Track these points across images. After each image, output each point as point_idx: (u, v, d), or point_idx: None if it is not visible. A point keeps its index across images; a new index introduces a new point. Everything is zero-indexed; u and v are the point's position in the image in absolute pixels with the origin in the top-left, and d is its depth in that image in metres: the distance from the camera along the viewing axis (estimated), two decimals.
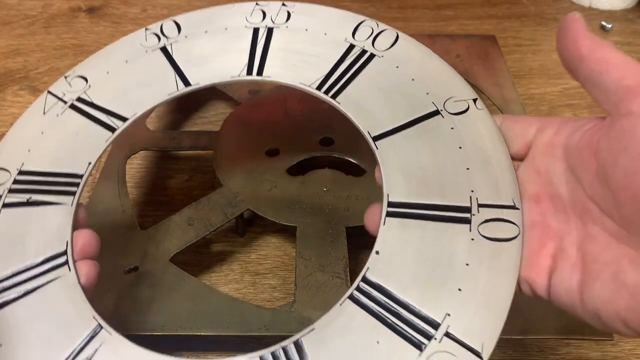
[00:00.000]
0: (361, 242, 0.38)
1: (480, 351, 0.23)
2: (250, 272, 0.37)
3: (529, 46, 0.58)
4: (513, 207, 0.26)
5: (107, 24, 0.61)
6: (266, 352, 0.25)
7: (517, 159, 0.27)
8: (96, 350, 0.25)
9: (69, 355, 0.25)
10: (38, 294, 0.26)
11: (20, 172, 0.30)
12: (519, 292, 0.25)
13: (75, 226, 0.28)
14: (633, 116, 0.21)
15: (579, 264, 0.23)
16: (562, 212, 0.24)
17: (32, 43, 0.58)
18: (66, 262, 0.27)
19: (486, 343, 0.23)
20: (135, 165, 0.44)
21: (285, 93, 0.45)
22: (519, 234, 0.25)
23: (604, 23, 0.61)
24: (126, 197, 0.38)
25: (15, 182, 0.30)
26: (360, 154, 0.40)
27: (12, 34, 0.59)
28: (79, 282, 0.27)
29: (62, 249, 0.27)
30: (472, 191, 0.26)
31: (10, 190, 0.29)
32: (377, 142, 0.29)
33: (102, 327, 0.25)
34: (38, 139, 0.31)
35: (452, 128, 0.28)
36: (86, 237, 0.28)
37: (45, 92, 0.33)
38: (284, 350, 0.25)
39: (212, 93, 0.49)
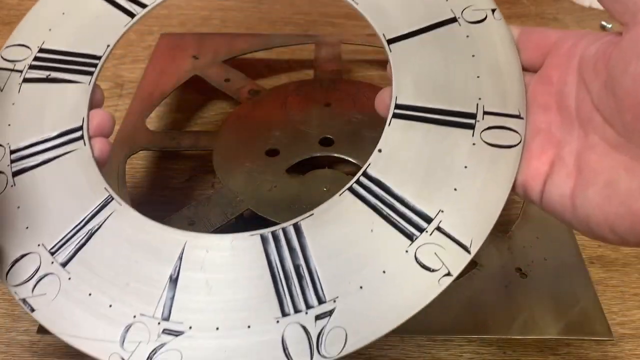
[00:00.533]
0: None
1: (468, 246, 0.25)
2: None
3: None
4: (518, 117, 0.27)
5: None
6: (266, 232, 0.26)
7: (531, 70, 0.28)
8: (107, 217, 0.27)
9: (82, 220, 0.27)
10: (54, 165, 0.29)
11: (41, 50, 0.32)
12: (512, 195, 0.26)
13: (92, 105, 0.30)
14: None
15: (575, 172, 0.24)
16: (568, 123, 0.25)
17: None
18: (82, 137, 0.29)
19: (475, 239, 0.25)
20: (135, 165, 0.44)
21: (286, 93, 0.45)
22: (520, 142, 0.26)
23: (604, 23, 0.61)
24: (126, 197, 0.38)
25: (36, 59, 0.31)
26: (360, 154, 0.40)
27: None
28: (93, 156, 0.29)
29: (78, 124, 0.29)
30: (480, 99, 0.27)
31: (31, 67, 0.31)
32: (391, 46, 0.29)
33: (113, 198, 0.28)
34: (59, 19, 0.33)
35: (467, 36, 0.29)
36: (102, 116, 0.30)
37: None
38: (284, 230, 0.26)
39: (212, 93, 0.49)
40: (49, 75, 0.31)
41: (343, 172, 0.39)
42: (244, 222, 0.38)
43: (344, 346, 0.23)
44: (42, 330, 0.31)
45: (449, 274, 0.24)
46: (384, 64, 0.55)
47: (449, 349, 0.32)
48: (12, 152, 0.29)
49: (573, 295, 0.33)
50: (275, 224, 0.36)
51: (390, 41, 0.29)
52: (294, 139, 0.41)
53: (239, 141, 0.41)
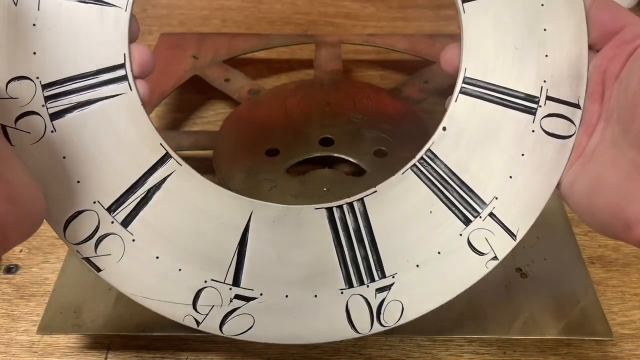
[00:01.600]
0: None
1: (515, 233, 0.26)
2: None
3: None
4: (577, 106, 0.27)
5: None
6: (333, 205, 0.27)
7: (592, 48, 0.27)
8: (166, 177, 0.26)
9: (139, 178, 0.25)
10: (99, 109, 0.26)
11: None
12: None
13: (130, 38, 0.26)
14: None
15: (586, 161, 0.26)
16: (604, 116, 0.26)
17: None
18: (126, 78, 0.26)
19: (521, 228, 0.27)
20: None
21: (286, 93, 0.45)
22: (574, 133, 0.26)
23: None
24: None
25: None
26: (360, 154, 0.40)
27: None
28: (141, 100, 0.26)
29: (119, 61, 0.26)
30: (545, 81, 0.27)
31: None
32: (465, 5, 0.28)
33: (171, 156, 0.26)
34: None
35: (542, 5, 0.27)
36: (144, 54, 0.26)
37: None
38: (350, 205, 0.27)
39: (212, 93, 0.49)
40: None
41: (343, 172, 0.39)
42: None
43: (400, 316, 0.26)
44: (42, 330, 0.31)
45: (495, 258, 0.26)
46: (384, 64, 0.55)
47: (449, 349, 0.32)
48: (44, 87, 0.25)
49: (573, 295, 0.33)
50: None
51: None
52: (294, 139, 0.41)
53: (239, 141, 0.41)
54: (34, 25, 0.25)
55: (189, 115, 0.49)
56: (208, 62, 0.48)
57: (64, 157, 0.25)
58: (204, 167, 0.43)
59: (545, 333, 0.31)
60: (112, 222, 0.26)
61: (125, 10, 0.26)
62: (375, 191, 0.27)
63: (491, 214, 0.27)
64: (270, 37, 0.52)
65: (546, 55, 0.27)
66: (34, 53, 0.25)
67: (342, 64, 0.48)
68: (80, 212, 0.25)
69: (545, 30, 0.27)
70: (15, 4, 0.25)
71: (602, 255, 0.38)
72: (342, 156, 0.40)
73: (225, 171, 0.39)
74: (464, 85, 0.27)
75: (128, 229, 0.26)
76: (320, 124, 0.42)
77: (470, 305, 0.32)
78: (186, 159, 0.44)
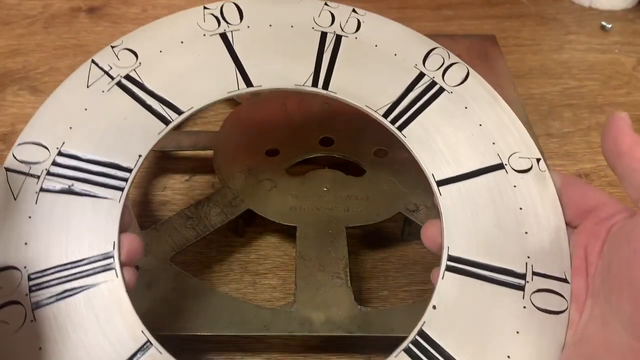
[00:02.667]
0: (361, 242, 0.38)
1: None
2: (250, 272, 0.37)
3: (529, 46, 0.58)
4: (564, 281, 0.26)
5: (107, 24, 0.61)
6: None
7: (569, 225, 0.28)
8: None
9: None
10: (82, 298, 0.25)
11: (61, 154, 0.27)
12: None
13: (121, 227, 0.27)
14: None
15: (577, 340, 0.25)
16: (590, 292, 0.26)
17: (32, 43, 0.58)
18: (112, 267, 0.26)
19: None
20: None
21: (285, 93, 0.45)
22: (566, 308, 0.26)
23: (604, 23, 0.61)
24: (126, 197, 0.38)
25: (55, 163, 0.27)
26: (360, 154, 0.40)
27: (12, 34, 0.59)
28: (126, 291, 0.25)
29: (108, 250, 0.26)
30: (528, 257, 0.27)
31: (50, 173, 0.27)
32: (441, 188, 0.29)
33: (151, 344, 0.25)
34: (81, 117, 0.28)
35: (514, 186, 0.28)
36: (133, 242, 0.27)
37: (89, 60, 0.30)
38: None
39: None
40: (72, 185, 0.27)
41: (343, 172, 0.39)
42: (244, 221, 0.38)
43: None
44: None
45: None
46: None
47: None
48: (30, 277, 0.25)
49: None
50: (275, 224, 0.36)
51: (440, 183, 0.29)
52: (294, 139, 0.41)
53: (239, 141, 0.41)
54: (30, 217, 0.26)
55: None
56: None
57: (40, 349, 0.24)
58: (204, 167, 0.44)
59: None
60: None
61: (119, 202, 0.27)
62: None
63: None
64: None
65: (526, 232, 0.27)
66: (26, 243, 0.26)
67: None
68: None
69: (521, 209, 0.28)
70: (15, 199, 0.26)
71: None
72: (342, 156, 0.40)
73: (225, 171, 0.39)
74: (449, 262, 0.27)
75: None
76: (320, 124, 0.42)
77: None
78: (186, 159, 0.44)
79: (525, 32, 0.61)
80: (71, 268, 0.25)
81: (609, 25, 0.61)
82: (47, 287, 0.25)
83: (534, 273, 0.27)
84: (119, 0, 0.65)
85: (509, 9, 0.64)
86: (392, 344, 0.33)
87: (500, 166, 0.29)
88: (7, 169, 0.27)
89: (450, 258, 0.27)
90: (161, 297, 0.32)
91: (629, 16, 0.63)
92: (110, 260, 0.26)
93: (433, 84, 0.31)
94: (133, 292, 0.32)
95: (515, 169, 0.29)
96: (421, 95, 0.31)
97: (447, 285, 0.27)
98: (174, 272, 0.33)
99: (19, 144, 0.28)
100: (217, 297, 0.32)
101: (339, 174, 0.39)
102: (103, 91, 0.29)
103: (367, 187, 0.38)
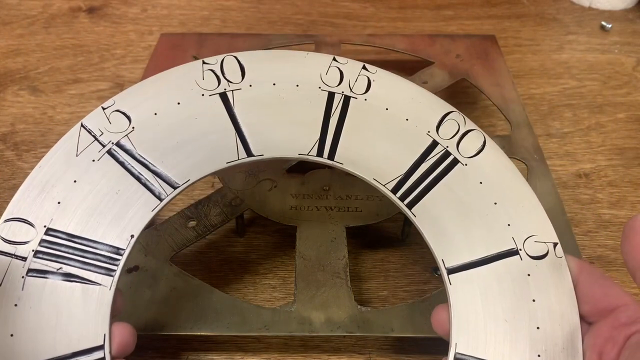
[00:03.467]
0: (361, 242, 0.38)
1: None
2: (250, 272, 0.37)
3: (529, 46, 0.59)
4: None
5: (107, 24, 0.61)
6: None
7: (584, 319, 0.26)
8: None
9: None
10: None
11: (49, 231, 0.26)
12: None
13: (112, 315, 0.25)
14: None
15: None
16: None
17: (32, 43, 0.58)
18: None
19: None
20: None
21: None
22: None
23: (604, 23, 0.61)
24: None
25: (43, 242, 0.25)
26: None
27: (12, 34, 0.59)
28: None
29: (99, 342, 0.24)
30: (539, 355, 0.25)
31: (37, 253, 0.25)
32: (451, 276, 0.27)
33: None
34: (70, 189, 0.26)
35: (528, 275, 0.27)
36: (125, 333, 0.25)
37: (79, 124, 0.28)
38: None
39: None
40: (60, 268, 0.25)
41: (343, 172, 0.39)
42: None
43: None
44: None
45: None
46: (383, 64, 0.55)
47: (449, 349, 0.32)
48: None
49: None
50: (275, 223, 0.36)
51: (451, 271, 0.27)
52: None
53: None
54: (16, 305, 0.24)
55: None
56: None
57: None
58: None
59: None
60: None
61: (110, 289, 0.25)
62: None
63: None
64: (270, 37, 0.52)
65: (538, 328, 0.26)
66: (11, 335, 0.24)
67: None
68: None
69: (534, 301, 0.26)
70: (0, 284, 0.24)
71: (602, 255, 0.38)
72: None
73: (225, 171, 0.39)
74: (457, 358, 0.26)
75: None
76: None
77: None
78: None
79: (525, 32, 0.61)
80: None
81: (609, 25, 0.61)
82: None
83: None
84: (119, 0, 0.65)
85: (509, 9, 0.64)
86: (392, 344, 0.33)
87: (514, 252, 0.27)
88: None
89: (457, 356, 0.26)
90: (161, 297, 0.32)
91: (628, 16, 0.63)
92: (100, 354, 0.24)
93: (447, 154, 0.29)
94: (133, 292, 0.32)
95: (531, 255, 0.27)
96: (434, 167, 0.29)
97: None
98: (174, 272, 0.33)
99: (5, 221, 0.26)
100: (217, 297, 0.32)
101: (339, 174, 0.39)
102: (94, 160, 0.27)
103: (367, 187, 0.38)
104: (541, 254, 0.27)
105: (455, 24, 0.62)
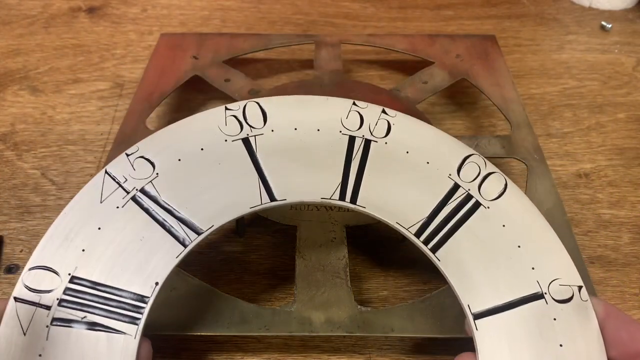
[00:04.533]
0: (361, 242, 0.38)
1: None
2: (250, 272, 0.37)
3: (529, 46, 0.59)
4: None
5: (107, 24, 0.61)
6: None
7: None
8: None
9: None
10: None
11: (74, 279, 0.26)
12: None
13: None
14: None
15: None
16: None
17: (32, 43, 0.58)
18: None
19: None
20: None
21: (285, 93, 0.45)
22: None
23: (604, 23, 0.61)
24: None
25: (67, 290, 0.25)
26: None
27: (12, 34, 0.59)
28: None
29: None
30: None
31: (61, 302, 0.25)
32: (478, 322, 0.27)
33: None
34: (94, 237, 0.27)
35: (554, 319, 0.26)
36: None
37: (103, 171, 0.28)
38: None
39: (212, 93, 0.49)
40: (85, 317, 0.25)
41: None
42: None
43: None
44: None
45: None
46: (384, 64, 0.55)
47: (449, 349, 0.32)
48: None
49: None
50: (275, 223, 0.36)
51: (477, 316, 0.27)
52: None
53: None
54: (40, 355, 0.24)
55: (188, 115, 0.49)
56: (208, 62, 0.48)
57: None
58: None
59: None
60: None
61: (135, 338, 0.25)
62: None
63: None
64: (270, 37, 0.52)
65: None
66: None
67: (342, 64, 0.48)
68: None
69: (561, 345, 0.26)
70: (24, 334, 0.24)
71: (602, 255, 0.38)
72: None
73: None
74: None
75: None
76: None
77: None
78: None
79: (525, 32, 0.61)
80: None
81: (609, 25, 0.61)
82: None
83: None
84: (119, 0, 0.65)
85: (509, 9, 0.64)
86: (392, 344, 0.33)
87: (539, 296, 0.27)
88: (17, 299, 0.25)
89: None
90: (161, 298, 0.32)
91: (629, 16, 0.63)
92: None
93: (469, 197, 0.29)
94: None
95: (556, 298, 0.27)
96: (456, 211, 0.29)
97: None
98: (174, 272, 0.33)
99: (30, 269, 0.26)
100: (217, 297, 0.32)
101: None
102: (118, 207, 0.27)
103: None
104: (566, 298, 0.27)
105: (455, 24, 0.62)
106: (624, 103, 0.51)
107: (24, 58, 0.56)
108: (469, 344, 0.31)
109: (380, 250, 0.38)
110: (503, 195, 0.29)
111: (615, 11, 0.64)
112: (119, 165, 0.28)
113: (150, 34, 0.59)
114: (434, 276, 0.36)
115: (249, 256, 0.38)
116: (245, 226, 0.39)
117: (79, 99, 0.51)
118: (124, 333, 0.25)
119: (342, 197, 0.29)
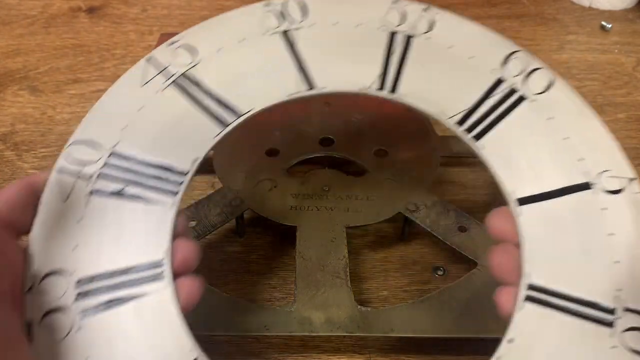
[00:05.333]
0: (361, 242, 0.38)
1: None
2: (250, 272, 0.37)
3: (529, 46, 0.58)
4: None
5: (107, 24, 0.61)
6: None
7: None
8: None
9: None
10: (131, 308, 0.24)
11: (114, 154, 0.26)
12: None
13: (175, 233, 0.25)
14: None
15: None
16: None
17: (32, 43, 0.58)
18: (162, 276, 0.24)
19: None
20: None
21: None
22: None
23: (604, 23, 0.61)
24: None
25: (107, 165, 0.26)
26: (360, 154, 0.40)
27: (12, 34, 0.59)
28: (179, 302, 0.24)
29: (158, 258, 0.24)
30: (619, 290, 0.24)
31: (101, 175, 0.26)
32: (521, 208, 0.26)
33: None
34: (135, 116, 0.27)
35: (602, 209, 0.26)
36: (188, 249, 0.25)
37: (145, 57, 0.29)
38: None
39: None
40: (124, 189, 0.26)
41: (343, 172, 0.39)
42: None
43: None
44: None
45: None
46: None
47: (449, 349, 0.32)
48: (77, 284, 0.24)
49: None
50: (275, 223, 0.36)
51: (521, 202, 0.26)
52: (294, 139, 0.41)
53: (239, 141, 0.41)
54: (79, 221, 0.25)
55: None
56: None
57: (87, 358, 0.23)
58: (204, 167, 0.43)
59: None
60: None
61: (171, 208, 0.26)
62: None
63: None
64: None
65: (617, 262, 0.25)
66: (74, 248, 0.24)
67: None
68: None
69: (610, 235, 0.25)
70: (65, 201, 0.25)
71: None
72: (342, 156, 0.40)
73: (225, 171, 0.39)
74: (529, 292, 0.24)
75: None
76: (320, 124, 0.42)
77: (470, 305, 0.32)
78: None
79: (525, 32, 0.61)
80: (120, 276, 0.24)
81: (609, 25, 0.61)
82: (94, 295, 0.24)
83: (626, 309, 0.24)
84: (119, 0, 0.65)
85: (509, 9, 0.64)
86: (392, 344, 0.33)
87: (587, 186, 0.26)
88: (59, 170, 0.26)
89: (531, 287, 0.24)
90: None
91: (629, 16, 0.63)
92: (160, 269, 0.24)
93: (513, 91, 0.28)
94: None
95: (605, 189, 0.26)
96: (499, 104, 0.28)
97: (525, 317, 0.24)
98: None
99: (71, 144, 0.26)
100: (217, 297, 0.32)
101: (339, 174, 0.39)
102: (158, 91, 0.28)
103: (367, 187, 0.38)
104: (616, 189, 0.26)
105: None
106: (624, 103, 0.51)
107: (24, 58, 0.56)
108: (469, 344, 0.31)
109: (380, 250, 0.38)
110: (550, 89, 0.29)
111: (615, 11, 0.64)
112: (161, 53, 0.29)
113: (150, 34, 0.59)
114: (434, 276, 0.36)
115: (249, 256, 0.38)
116: (245, 226, 0.39)
117: (79, 99, 0.51)
118: (162, 204, 0.26)
119: (381, 87, 0.29)
